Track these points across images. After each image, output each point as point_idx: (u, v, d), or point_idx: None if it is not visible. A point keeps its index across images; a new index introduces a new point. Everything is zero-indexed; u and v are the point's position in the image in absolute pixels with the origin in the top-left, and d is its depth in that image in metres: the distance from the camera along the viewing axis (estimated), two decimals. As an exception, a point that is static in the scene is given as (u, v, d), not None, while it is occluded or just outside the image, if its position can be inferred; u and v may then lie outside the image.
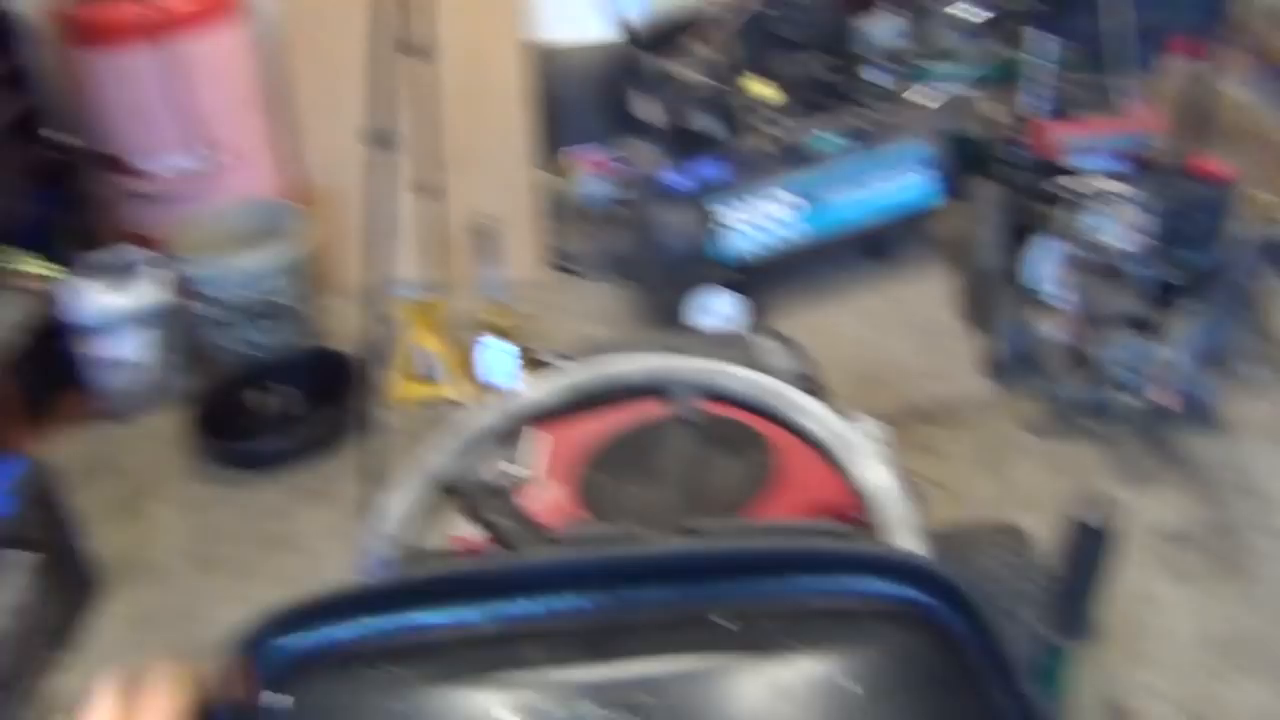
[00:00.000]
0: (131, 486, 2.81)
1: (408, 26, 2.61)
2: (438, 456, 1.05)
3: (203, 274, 2.97)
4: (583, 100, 3.45)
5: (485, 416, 1.09)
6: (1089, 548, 1.16)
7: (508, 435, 1.14)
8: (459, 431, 1.07)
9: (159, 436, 2.96)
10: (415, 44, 2.64)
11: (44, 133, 3.09)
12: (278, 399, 2.94)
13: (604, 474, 1.41)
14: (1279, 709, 2.01)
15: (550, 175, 3.53)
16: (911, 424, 2.70)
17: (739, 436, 1.39)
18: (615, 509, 1.33)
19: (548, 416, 1.13)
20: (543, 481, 1.41)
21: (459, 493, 1.06)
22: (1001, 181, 2.99)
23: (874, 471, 0.98)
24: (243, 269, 2.95)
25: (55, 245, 3.09)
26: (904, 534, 0.95)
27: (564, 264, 3.47)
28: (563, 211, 3.54)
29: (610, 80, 3.24)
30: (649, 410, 1.22)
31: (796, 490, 1.43)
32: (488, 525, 1.03)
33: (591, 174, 3.49)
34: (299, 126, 3.43)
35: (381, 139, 2.38)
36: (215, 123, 3.12)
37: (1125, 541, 2.26)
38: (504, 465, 1.40)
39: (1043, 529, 1.64)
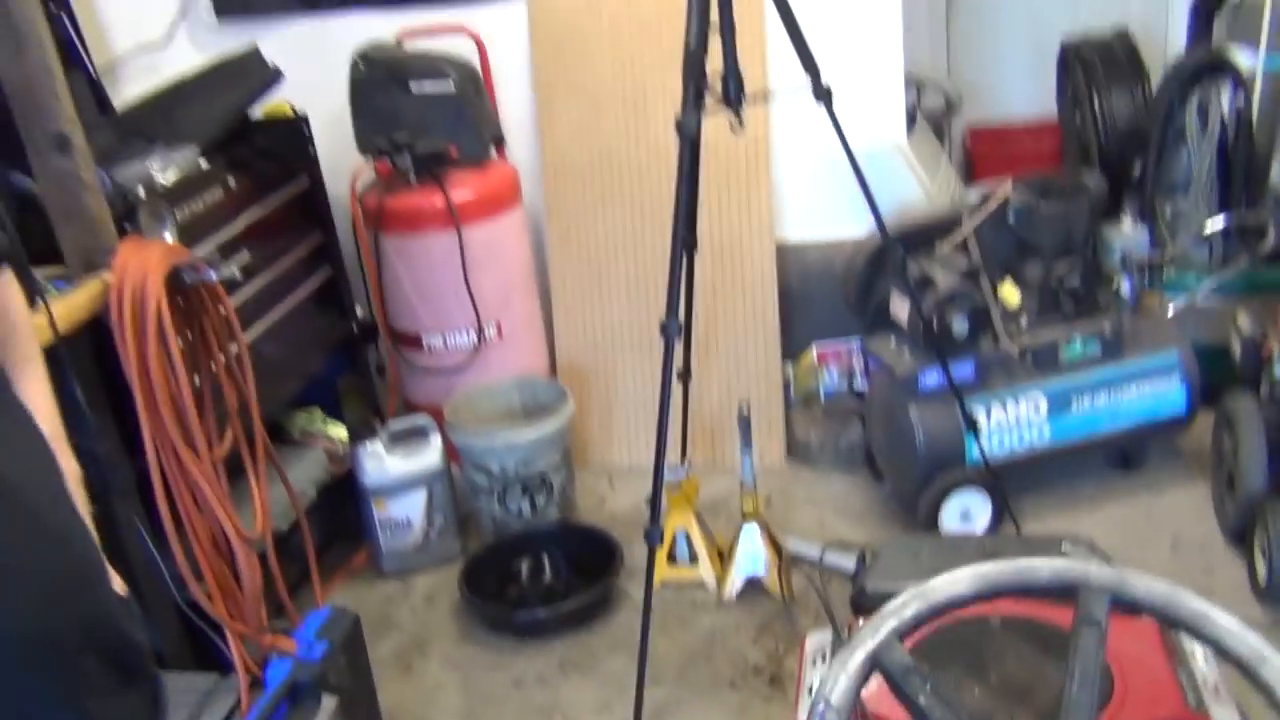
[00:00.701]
0: (409, 643, 2.98)
1: (691, 226, 2.82)
2: (873, 639, 1.06)
3: (477, 445, 3.19)
4: (827, 296, 3.62)
5: (910, 605, 1.10)
6: None
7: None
8: (900, 610, 1.10)
9: (431, 597, 3.15)
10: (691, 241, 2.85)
11: (349, 307, 3.41)
12: (542, 569, 3.08)
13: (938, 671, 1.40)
14: None
15: (793, 367, 3.67)
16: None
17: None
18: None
19: (958, 608, 1.15)
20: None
21: (885, 672, 1.07)
22: (1260, 394, 2.99)
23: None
24: (513, 442, 3.16)
25: (344, 410, 3.38)
26: None
27: (805, 455, 3.58)
28: (805, 403, 3.66)
29: (860, 277, 3.40)
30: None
31: (1140, 706, 1.45)
32: (913, 708, 1.06)
33: (835, 367, 3.62)
34: (559, 310, 3.70)
35: (667, 331, 2.53)
36: (494, 303, 3.39)
37: None
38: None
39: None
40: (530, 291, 3.59)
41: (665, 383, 2.53)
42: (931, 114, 4.94)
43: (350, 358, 3.48)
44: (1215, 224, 3.42)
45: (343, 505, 3.21)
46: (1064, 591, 1.12)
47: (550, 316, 3.71)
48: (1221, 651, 1.07)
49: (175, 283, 2.39)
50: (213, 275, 2.45)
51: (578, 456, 3.51)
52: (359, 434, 3.20)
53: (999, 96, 5.66)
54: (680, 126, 2.47)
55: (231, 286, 2.63)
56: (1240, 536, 2.97)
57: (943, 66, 5.53)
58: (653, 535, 2.53)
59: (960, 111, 5.18)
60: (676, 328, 2.52)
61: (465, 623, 3.03)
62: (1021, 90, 5.46)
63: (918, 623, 1.08)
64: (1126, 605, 1.09)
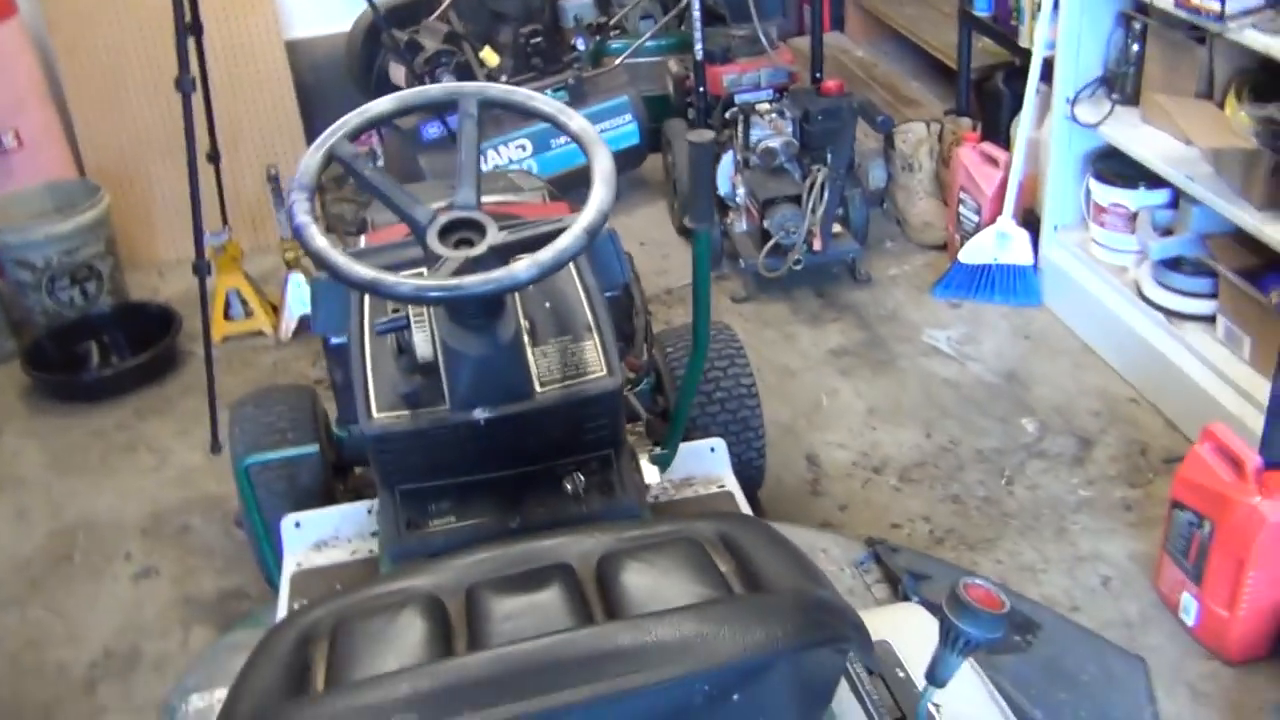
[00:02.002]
0: (-24, 425, 3.14)
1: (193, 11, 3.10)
2: (330, 140, 1.52)
3: (16, 240, 3.31)
4: (340, 84, 4.03)
5: (352, 119, 1.55)
6: (703, 159, 1.70)
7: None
8: (347, 122, 1.55)
9: (-7, 387, 3.29)
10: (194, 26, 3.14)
11: None
12: (107, 350, 3.32)
13: None
14: (914, 441, 2.86)
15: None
16: (651, 306, 3.45)
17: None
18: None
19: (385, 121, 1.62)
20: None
21: (338, 158, 1.51)
22: (688, 119, 3.82)
23: (603, 158, 1.58)
24: (53, 232, 3.32)
25: None
26: (601, 182, 1.48)
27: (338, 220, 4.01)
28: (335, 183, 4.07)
29: (359, 52, 3.84)
30: None
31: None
32: (358, 178, 1.51)
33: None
34: (79, 119, 3.82)
35: (187, 87, 2.84)
36: (6, 112, 3.47)
37: (809, 361, 3.08)
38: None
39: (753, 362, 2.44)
40: (45, 100, 3.68)
41: (189, 136, 2.86)
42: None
43: None
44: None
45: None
46: (450, 101, 1.63)
47: (73, 127, 3.81)
48: (540, 115, 1.61)
49: None
50: None
51: (126, 258, 3.71)
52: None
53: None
54: (162, -103, 2.75)
55: None
56: (685, 230, 3.83)
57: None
58: (201, 269, 2.90)
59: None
60: (190, 84, 2.85)
61: (35, 403, 3.23)
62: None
63: (358, 130, 1.59)
64: (490, 104, 1.64)
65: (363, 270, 1.43)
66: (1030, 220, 3.36)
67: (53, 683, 2.31)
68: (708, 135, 1.66)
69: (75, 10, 3.74)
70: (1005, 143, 3.46)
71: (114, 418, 3.12)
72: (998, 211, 3.32)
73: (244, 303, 3.44)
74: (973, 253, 3.37)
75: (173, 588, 2.53)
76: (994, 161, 3.37)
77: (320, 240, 1.45)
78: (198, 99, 3.00)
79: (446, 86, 1.66)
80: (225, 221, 3.56)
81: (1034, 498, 2.64)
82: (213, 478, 2.85)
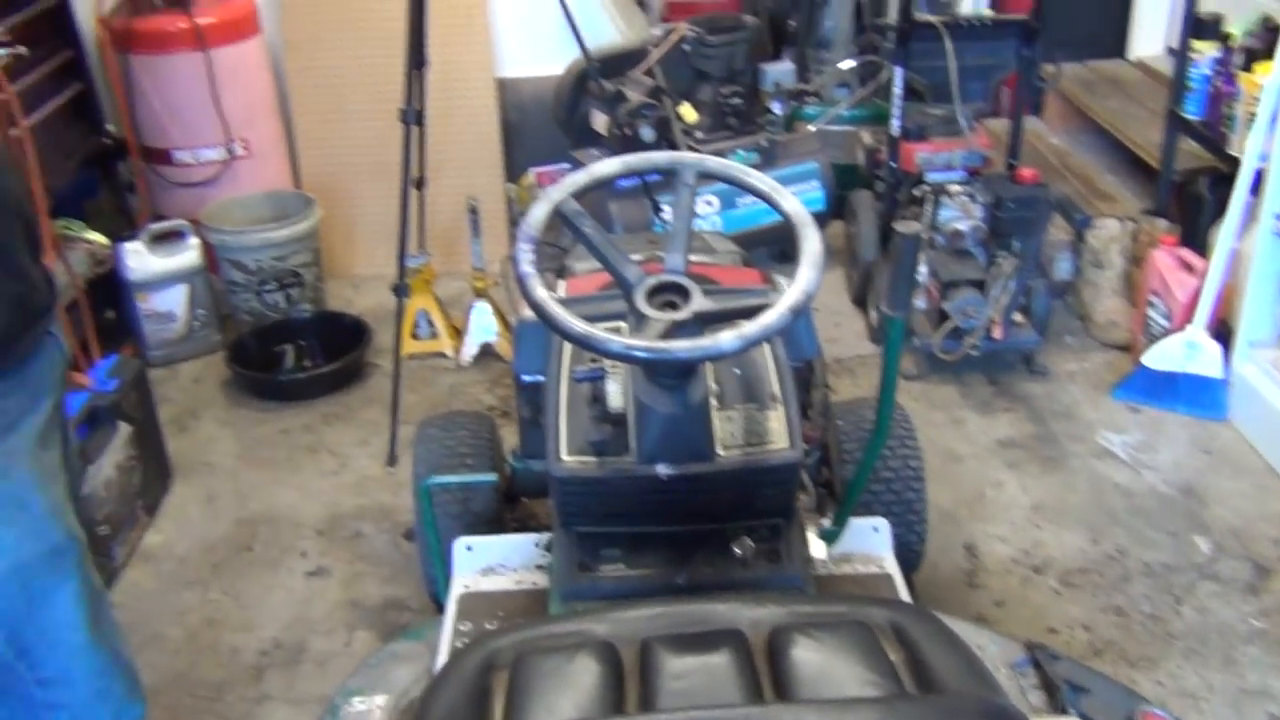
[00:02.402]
0: (182, 410, 3.37)
1: (419, 44, 3.30)
2: (557, 196, 1.61)
3: (234, 242, 3.57)
4: (542, 126, 4.20)
5: (579, 178, 1.63)
6: (908, 250, 1.78)
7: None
8: (574, 180, 1.64)
9: (199, 379, 3.54)
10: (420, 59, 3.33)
11: (98, 122, 3.65)
12: (303, 352, 3.54)
13: None
14: (1079, 545, 2.80)
15: (515, 188, 4.23)
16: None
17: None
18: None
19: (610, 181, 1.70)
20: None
21: (561, 215, 1.59)
22: (876, 192, 3.84)
23: (813, 241, 1.63)
24: (268, 239, 3.57)
25: (98, 222, 3.65)
26: (808, 264, 1.55)
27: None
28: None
29: (566, 97, 3.99)
30: None
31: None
32: (579, 235, 1.60)
33: (548, 184, 4.21)
34: (300, 135, 4.09)
35: (410, 119, 3.03)
36: (240, 121, 3.75)
37: (976, 448, 3.05)
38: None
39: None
40: (274, 114, 3.96)
41: (405, 164, 3.04)
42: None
43: (103, 172, 3.73)
44: (845, 64, 4.24)
45: (106, 306, 3.51)
46: (670, 169, 1.71)
47: (294, 142, 4.09)
48: (755, 192, 1.69)
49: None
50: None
51: (326, 268, 3.94)
52: (119, 236, 3.50)
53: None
54: (409, -56, 2.95)
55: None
56: (861, 300, 3.84)
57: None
58: (400, 290, 3.07)
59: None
60: (414, 116, 3.03)
61: (233, 395, 3.46)
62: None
63: (585, 188, 1.67)
64: (708, 175, 1.71)
65: (578, 325, 1.51)
66: (1222, 332, 3.25)
67: (225, 664, 2.47)
68: (915, 226, 1.71)
69: (313, 35, 4.02)
70: (1201, 249, 3.37)
71: (302, 419, 3.32)
72: (1188, 319, 3.22)
73: (431, 324, 3.61)
74: (1159, 358, 3.27)
75: (341, 589, 2.67)
76: (1190, 268, 3.28)
77: (541, 292, 1.54)
78: (414, 129, 3.18)
79: (670, 156, 1.74)
80: (423, 245, 3.75)
81: (1202, 621, 2.54)
82: (387, 489, 3.00)
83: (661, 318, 1.56)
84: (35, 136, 3.24)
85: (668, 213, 3.69)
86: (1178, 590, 2.63)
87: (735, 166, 1.73)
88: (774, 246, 4.10)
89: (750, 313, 1.54)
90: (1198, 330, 3.21)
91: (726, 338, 1.49)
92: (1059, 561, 2.73)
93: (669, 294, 1.62)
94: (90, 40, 3.65)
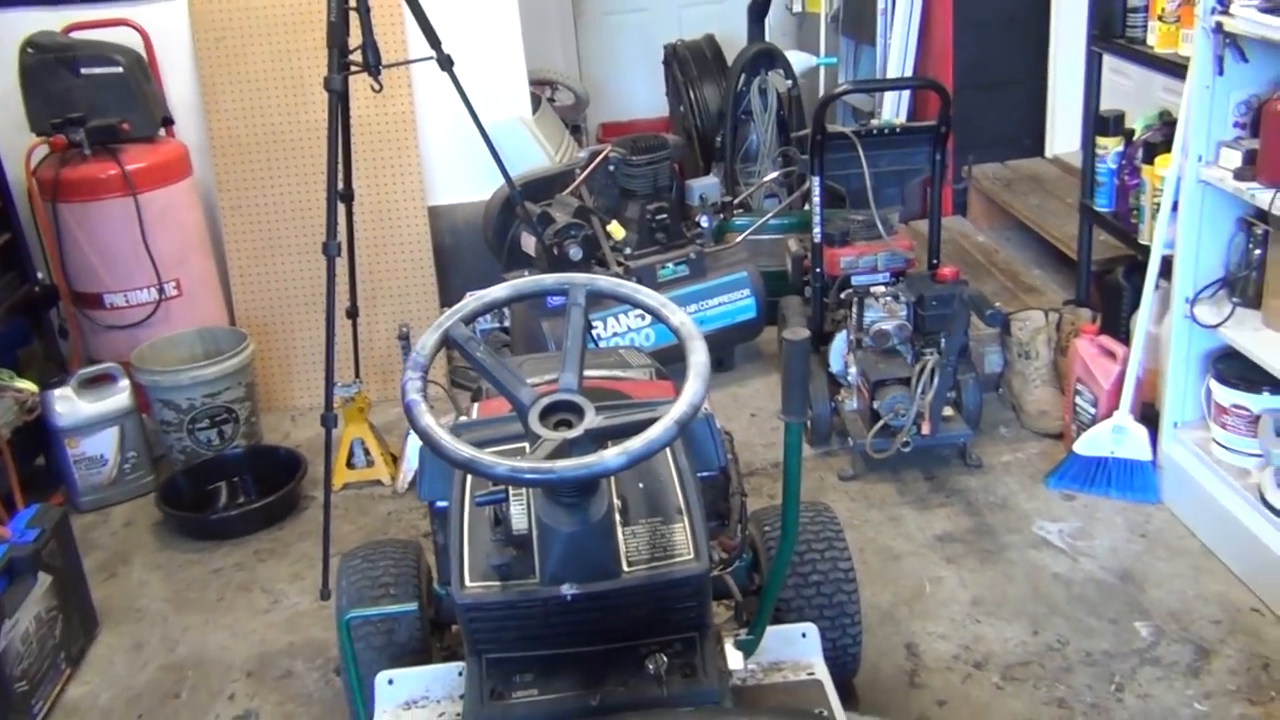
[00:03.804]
0: (111, 555, 3.31)
1: (346, 178, 3.36)
2: (449, 319, 1.64)
3: (165, 382, 3.56)
4: (476, 249, 4.27)
5: (469, 304, 1.68)
6: (797, 356, 1.77)
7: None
8: (464, 306, 1.67)
9: (130, 522, 3.49)
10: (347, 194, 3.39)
11: (29, 270, 3.67)
12: (235, 490, 3.50)
13: None
14: (1019, 637, 2.78)
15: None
16: (755, 479, 3.49)
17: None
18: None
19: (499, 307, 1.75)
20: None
21: (453, 340, 1.62)
22: (805, 297, 3.90)
23: (699, 354, 1.65)
24: (199, 376, 3.56)
25: (31, 369, 3.64)
26: (695, 376, 1.55)
27: (464, 376, 4.20)
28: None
29: (495, 221, 4.07)
30: None
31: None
32: (471, 360, 1.61)
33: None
34: (234, 271, 4.13)
35: (333, 251, 3.06)
36: (171, 263, 3.78)
37: (914, 545, 3.05)
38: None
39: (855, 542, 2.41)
40: (206, 253, 4.00)
41: (330, 295, 3.06)
42: (565, 110, 5.73)
43: (34, 319, 3.73)
44: (767, 175, 4.36)
45: (34, 454, 3.48)
46: (560, 290, 1.75)
47: (227, 277, 4.12)
48: (644, 308, 1.73)
49: None
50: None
51: (262, 401, 3.94)
52: (48, 383, 3.49)
53: (624, 98, 6.61)
54: (327, 83, 3.02)
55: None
56: (797, 403, 3.87)
57: (575, 72, 6.37)
58: (329, 420, 3.06)
59: (589, 106, 6.01)
60: (335, 249, 3.07)
61: (164, 537, 3.40)
62: (643, 94, 6.44)
63: (474, 314, 1.70)
64: (598, 294, 1.75)
65: (462, 450, 1.51)
66: (1149, 415, 3.29)
67: (147, 818, 2.38)
68: (803, 333, 1.73)
69: (243, 174, 4.09)
70: (1125, 336, 3.43)
71: (235, 557, 3.27)
72: (1115, 405, 3.27)
73: (367, 452, 3.60)
74: (1089, 444, 3.31)
75: (269, 732, 2.59)
76: (1112, 355, 3.34)
77: (427, 419, 1.54)
78: (342, 260, 3.22)
79: (558, 277, 1.78)
80: (358, 374, 3.76)
81: (1145, 708, 2.51)
82: (319, 623, 2.94)
83: (555, 437, 1.57)
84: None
85: (602, 327, 3.77)
86: (1120, 678, 2.61)
87: (625, 284, 1.77)
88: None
89: (642, 427, 1.55)
90: (1124, 415, 3.25)
91: (612, 454, 1.50)
92: (1000, 655, 2.71)
93: (563, 412, 1.63)
94: (19, 189, 3.70)
